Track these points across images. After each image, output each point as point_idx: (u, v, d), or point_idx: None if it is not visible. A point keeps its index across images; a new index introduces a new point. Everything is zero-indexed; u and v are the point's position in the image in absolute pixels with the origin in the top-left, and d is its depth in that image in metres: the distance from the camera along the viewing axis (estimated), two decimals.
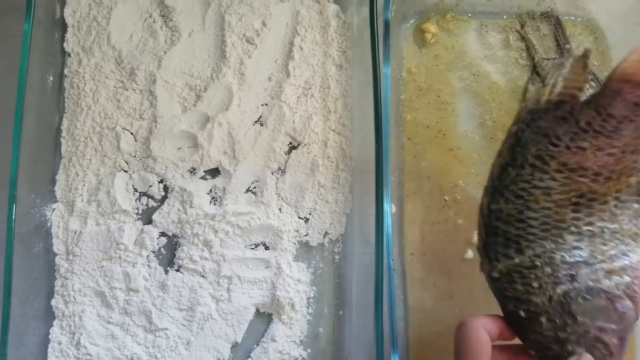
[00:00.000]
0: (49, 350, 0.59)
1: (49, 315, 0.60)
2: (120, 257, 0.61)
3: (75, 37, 0.66)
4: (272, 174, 0.64)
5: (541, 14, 0.70)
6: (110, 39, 0.65)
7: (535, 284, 0.49)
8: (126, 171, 0.63)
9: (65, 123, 0.64)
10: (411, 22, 0.69)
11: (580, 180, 0.49)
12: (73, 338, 0.59)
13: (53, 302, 0.60)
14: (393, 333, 0.55)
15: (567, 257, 0.49)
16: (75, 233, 0.61)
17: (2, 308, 0.54)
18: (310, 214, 0.64)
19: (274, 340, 0.60)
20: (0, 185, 0.62)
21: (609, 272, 0.49)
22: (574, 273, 0.49)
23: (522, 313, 0.50)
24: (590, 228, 0.50)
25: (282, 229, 0.62)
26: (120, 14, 0.66)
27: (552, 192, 0.50)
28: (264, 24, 0.67)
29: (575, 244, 0.49)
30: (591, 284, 0.48)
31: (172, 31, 0.66)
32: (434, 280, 0.63)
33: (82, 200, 0.62)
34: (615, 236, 0.50)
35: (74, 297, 0.60)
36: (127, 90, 0.64)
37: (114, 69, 0.65)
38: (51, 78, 0.64)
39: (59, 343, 0.59)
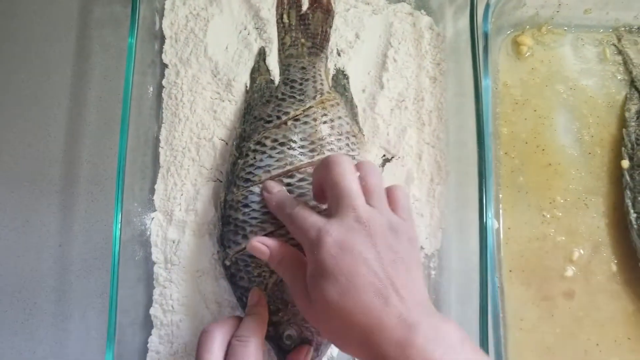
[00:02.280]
0: (147, 359, 0.59)
1: (148, 324, 0.60)
2: (215, 268, 0.61)
3: (173, 48, 0.66)
4: None
5: (638, 28, 0.69)
6: (207, 50, 0.66)
7: (255, 272, 0.55)
8: (222, 181, 0.63)
9: (163, 133, 0.64)
10: (507, 34, 0.68)
11: (290, 153, 0.57)
12: (171, 347, 0.59)
13: (152, 311, 0.60)
14: (498, 353, 0.54)
15: (283, 240, 0.53)
16: (174, 242, 0.61)
17: (107, 316, 0.54)
18: None
19: None
20: (104, 194, 0.64)
21: None
22: None
23: (245, 300, 0.55)
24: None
25: None
26: (216, 26, 0.67)
27: (271, 169, 0.56)
28: (357, 36, 0.67)
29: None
30: None
31: (267, 43, 0.66)
32: (533, 298, 0.61)
33: (180, 210, 0.62)
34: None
35: (172, 306, 0.60)
36: (223, 101, 0.65)
37: (211, 80, 0.66)
38: (151, 89, 0.64)
39: (157, 352, 0.59)
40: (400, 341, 0.39)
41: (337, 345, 0.45)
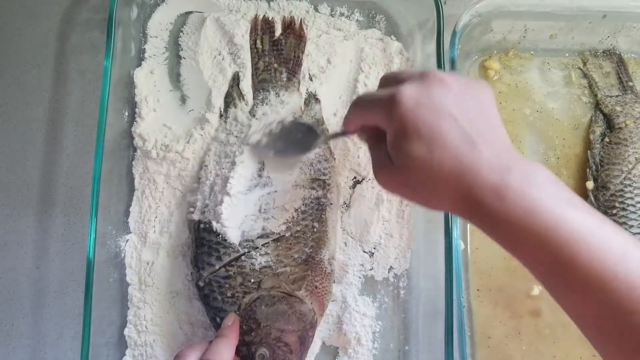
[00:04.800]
0: None
1: (122, 344, 0.61)
2: (189, 289, 0.62)
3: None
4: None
5: (603, 52, 0.71)
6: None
7: (229, 293, 0.56)
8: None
9: (138, 156, 0.66)
10: (475, 59, 0.70)
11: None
12: None
13: (126, 332, 0.61)
14: None
15: (255, 264, 0.56)
16: (148, 264, 0.63)
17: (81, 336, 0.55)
18: (375, 249, 0.64)
19: None
20: (80, 217, 0.65)
21: (292, 274, 0.56)
22: (260, 279, 0.56)
23: (218, 320, 0.55)
24: (275, 231, 0.57)
25: (347, 262, 0.63)
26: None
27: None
28: (329, 61, 0.69)
29: (264, 250, 0.57)
30: (274, 292, 0.55)
31: (240, 68, 0.68)
32: (500, 317, 0.63)
33: (155, 232, 0.63)
34: (299, 240, 0.57)
35: (146, 327, 0.61)
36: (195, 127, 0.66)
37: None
38: (126, 113, 0.66)
39: None
40: (494, 184, 0.37)
41: (428, 206, 0.43)
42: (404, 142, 0.40)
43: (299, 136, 0.59)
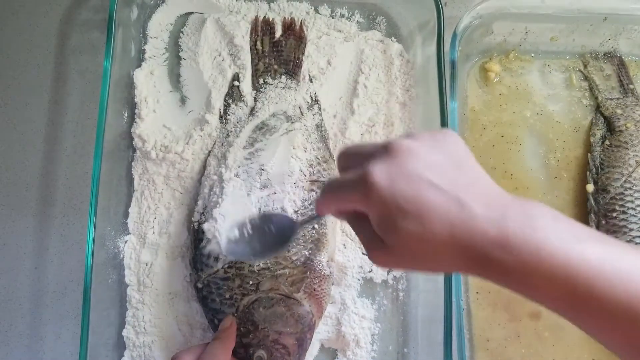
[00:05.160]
0: None
1: (120, 345, 0.61)
2: (187, 290, 0.62)
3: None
4: None
5: (604, 54, 0.71)
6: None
7: (227, 295, 0.56)
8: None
9: (137, 157, 0.65)
10: (475, 61, 0.70)
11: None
12: None
13: (124, 333, 0.61)
14: None
15: (254, 266, 0.56)
16: (147, 265, 0.62)
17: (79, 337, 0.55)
18: None
19: None
20: (79, 218, 0.65)
21: (290, 277, 0.56)
22: (259, 281, 0.55)
23: (216, 322, 0.55)
24: None
25: (346, 264, 0.63)
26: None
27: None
28: (329, 63, 0.69)
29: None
30: (272, 294, 0.55)
31: (240, 69, 0.68)
32: (499, 319, 0.63)
33: (154, 233, 0.63)
34: (298, 242, 0.57)
35: (144, 328, 0.61)
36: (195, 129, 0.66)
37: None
38: (125, 114, 0.66)
39: None
40: (494, 238, 0.36)
41: (434, 272, 0.43)
42: (390, 223, 0.39)
43: (273, 229, 0.54)
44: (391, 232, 0.39)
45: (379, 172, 0.39)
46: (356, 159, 0.42)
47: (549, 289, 0.36)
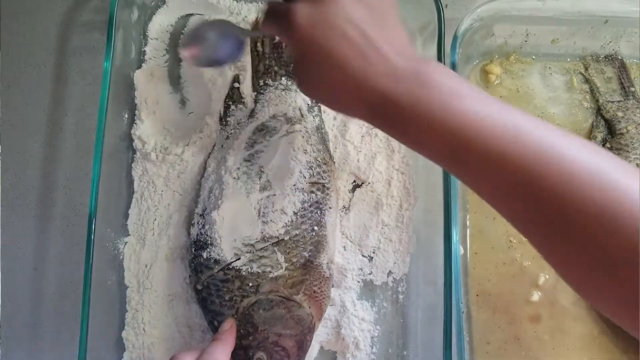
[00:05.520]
0: None
1: (120, 347, 0.61)
2: (187, 292, 0.62)
3: None
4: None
5: (605, 57, 0.71)
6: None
7: (226, 297, 0.55)
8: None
9: (137, 158, 0.65)
10: (476, 63, 0.70)
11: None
12: None
13: (124, 334, 0.61)
14: None
15: (254, 266, 0.56)
16: (147, 266, 0.62)
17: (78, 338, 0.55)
18: (374, 253, 0.64)
19: None
20: (79, 219, 0.65)
21: (290, 278, 0.56)
22: (259, 283, 0.55)
23: (216, 324, 0.55)
24: (274, 234, 0.57)
25: (346, 267, 0.63)
26: None
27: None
28: None
29: (262, 252, 0.56)
30: (272, 296, 0.55)
31: (240, 70, 0.68)
32: (499, 323, 0.63)
33: (153, 234, 0.63)
34: (298, 243, 0.57)
35: (144, 330, 0.61)
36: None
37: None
38: (126, 115, 0.66)
39: None
40: (388, 92, 0.40)
41: (344, 112, 0.47)
42: (305, 63, 0.44)
43: (213, 38, 0.55)
44: (305, 74, 0.45)
45: (303, 14, 0.42)
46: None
47: (430, 141, 0.40)
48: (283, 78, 0.66)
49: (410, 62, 0.41)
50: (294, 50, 0.45)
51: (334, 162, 0.64)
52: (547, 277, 0.63)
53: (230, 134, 0.64)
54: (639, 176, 0.35)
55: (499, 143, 0.37)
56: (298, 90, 0.59)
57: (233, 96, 0.66)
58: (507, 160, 0.36)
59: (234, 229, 0.58)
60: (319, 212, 0.60)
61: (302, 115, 0.64)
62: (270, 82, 0.66)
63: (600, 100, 0.69)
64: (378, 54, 0.41)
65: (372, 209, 0.65)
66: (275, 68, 0.66)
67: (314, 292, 0.57)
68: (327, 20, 0.41)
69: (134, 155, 0.65)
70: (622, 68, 0.70)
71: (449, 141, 0.38)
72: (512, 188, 0.37)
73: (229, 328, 0.54)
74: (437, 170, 0.60)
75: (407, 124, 0.40)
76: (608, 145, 0.66)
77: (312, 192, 0.60)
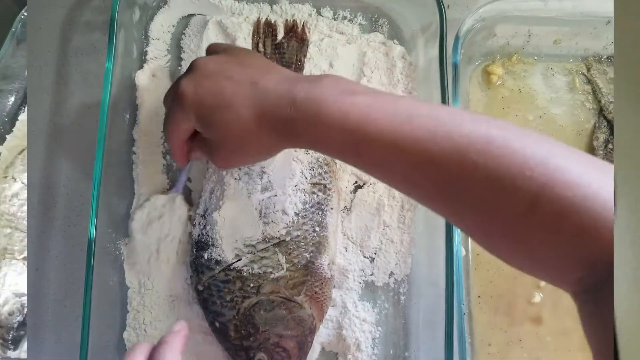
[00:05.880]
0: None
1: (121, 348, 0.61)
2: (188, 293, 0.62)
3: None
4: (338, 213, 0.64)
5: (607, 58, 0.71)
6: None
7: (227, 297, 0.55)
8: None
9: (139, 159, 0.65)
10: (477, 63, 0.70)
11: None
12: None
13: (125, 335, 0.61)
14: None
15: (255, 267, 0.56)
16: (148, 267, 0.62)
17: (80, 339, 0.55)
18: (375, 254, 0.64)
19: None
20: (81, 219, 0.65)
21: (291, 279, 0.56)
22: (260, 284, 0.55)
23: (217, 324, 0.55)
24: (276, 235, 0.57)
25: (347, 267, 0.63)
26: (193, 54, 0.69)
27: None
28: (331, 65, 0.69)
29: (263, 253, 0.57)
30: (273, 296, 0.55)
31: None
32: (501, 324, 0.62)
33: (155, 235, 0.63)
34: (299, 244, 0.57)
35: (145, 330, 0.61)
36: None
37: None
38: (127, 115, 0.66)
39: None
40: (286, 102, 0.43)
41: (262, 156, 0.50)
42: (207, 119, 0.46)
43: None
44: (210, 126, 0.46)
45: (185, 83, 0.47)
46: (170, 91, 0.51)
47: (331, 138, 0.41)
48: None
49: (303, 77, 0.45)
50: (196, 122, 0.48)
51: (336, 163, 0.64)
52: None
53: None
54: (533, 139, 0.37)
55: (394, 129, 0.38)
56: None
57: None
58: (403, 144, 0.38)
59: (235, 230, 0.58)
60: (320, 212, 0.60)
61: None
62: None
63: (603, 101, 0.69)
64: (266, 78, 0.45)
65: (374, 210, 0.64)
66: None
67: (315, 293, 0.57)
68: (207, 73, 0.46)
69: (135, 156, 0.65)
70: None
71: (347, 135, 0.40)
72: (414, 169, 0.39)
73: (178, 330, 0.48)
74: None
75: (307, 126, 0.42)
76: (610, 146, 0.66)
77: (313, 192, 0.60)
